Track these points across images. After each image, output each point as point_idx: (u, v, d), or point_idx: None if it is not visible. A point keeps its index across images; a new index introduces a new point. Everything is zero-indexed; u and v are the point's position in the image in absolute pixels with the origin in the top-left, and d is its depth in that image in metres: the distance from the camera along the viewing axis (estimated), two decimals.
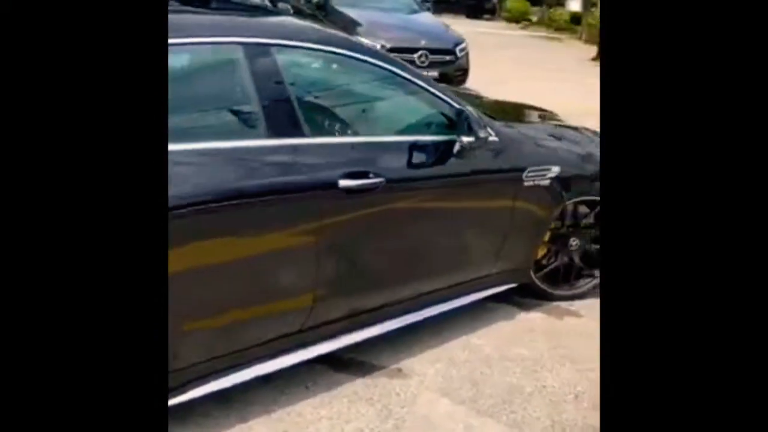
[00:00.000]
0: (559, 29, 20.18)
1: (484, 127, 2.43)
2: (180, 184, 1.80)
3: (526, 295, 3.14)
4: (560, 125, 3.37)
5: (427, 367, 2.59)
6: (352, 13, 7.62)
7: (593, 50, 14.00)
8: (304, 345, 2.24)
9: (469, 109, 2.40)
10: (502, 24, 22.87)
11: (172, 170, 1.80)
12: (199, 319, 1.95)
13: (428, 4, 9.17)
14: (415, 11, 8.63)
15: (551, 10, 21.97)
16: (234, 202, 1.90)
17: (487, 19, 23.91)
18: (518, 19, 24.06)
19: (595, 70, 12.36)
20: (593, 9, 17.11)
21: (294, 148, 2.03)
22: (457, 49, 7.62)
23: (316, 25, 2.31)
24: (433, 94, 2.44)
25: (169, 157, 1.80)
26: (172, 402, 1.95)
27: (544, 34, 19.61)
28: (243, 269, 2.00)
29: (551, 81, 9.72)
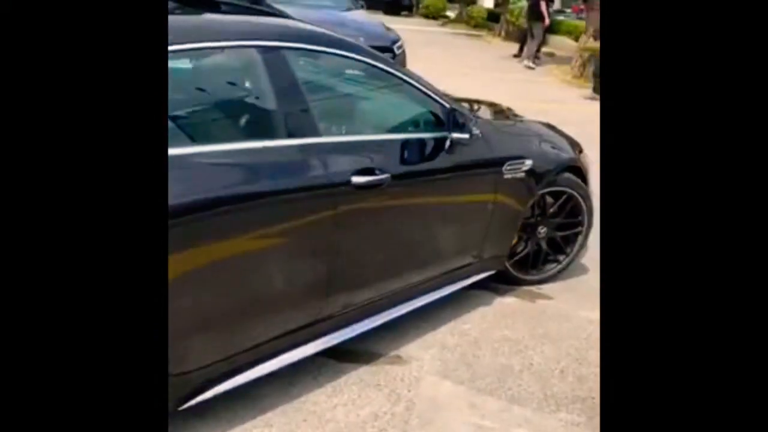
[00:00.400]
0: (477, 26, 20.75)
1: (476, 124, 2.59)
2: (202, 185, 1.85)
3: (499, 281, 3.34)
4: (522, 120, 3.58)
5: (423, 352, 2.73)
6: (286, 10, 7.59)
7: (513, 47, 14.57)
8: (316, 337, 2.33)
9: (462, 107, 2.55)
10: (421, 20, 23.28)
11: (195, 171, 1.86)
12: (223, 316, 2.00)
13: (362, 2, 9.26)
14: (349, 9, 8.71)
15: (468, 8, 22.55)
16: (255, 201, 1.96)
17: (405, 16, 24.27)
18: (435, 15, 24.57)
19: (518, 66, 12.90)
20: (510, 5, 17.71)
21: (310, 148, 2.11)
22: (395, 47, 7.76)
23: (321, 29, 2.39)
24: (427, 94, 2.57)
25: (192, 158, 1.87)
26: (194, 401, 2.00)
27: (463, 31, 20.14)
28: (263, 266, 2.07)
29: (481, 78, 10.06)
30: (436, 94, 2.61)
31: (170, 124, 1.94)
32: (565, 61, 13.03)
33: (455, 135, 2.55)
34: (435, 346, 2.78)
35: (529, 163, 3.00)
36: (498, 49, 15.58)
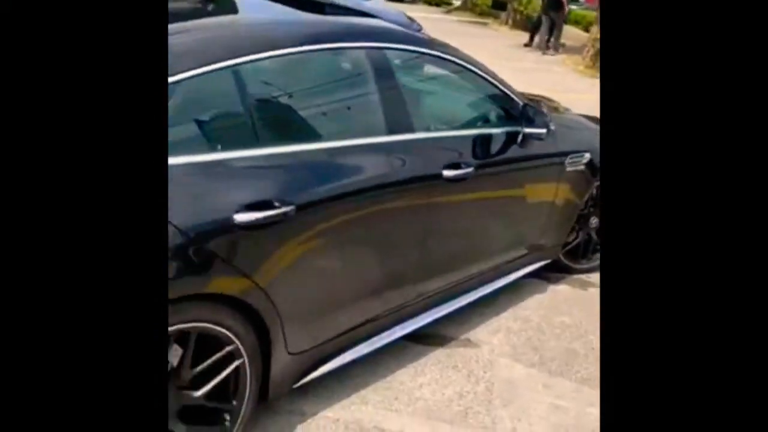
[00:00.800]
0: (482, 14, 20.77)
1: (551, 119, 2.72)
2: (317, 181, 1.97)
3: (550, 270, 3.48)
4: (573, 114, 3.70)
5: (491, 336, 2.88)
6: None
7: (522, 35, 14.64)
8: (401, 320, 2.47)
9: (538, 104, 2.68)
10: (425, 7, 23.22)
11: (304, 170, 1.98)
12: (332, 300, 2.13)
13: None
14: None
15: None
16: (364, 194, 2.08)
17: (409, 3, 24.19)
18: (439, 2, 24.55)
19: (529, 55, 12.99)
20: None
21: (407, 143, 2.23)
22: None
23: (405, 30, 2.50)
24: (501, 89, 2.71)
25: (303, 156, 1.98)
26: (307, 378, 2.14)
27: (468, 18, 20.16)
28: (366, 255, 2.20)
29: (494, 67, 10.12)
30: (510, 90, 2.74)
31: (293, 124, 2.07)
32: (575, 50, 13.13)
33: (529, 129, 2.67)
34: (501, 330, 2.93)
35: (587, 156, 3.13)
36: (507, 37, 15.65)
